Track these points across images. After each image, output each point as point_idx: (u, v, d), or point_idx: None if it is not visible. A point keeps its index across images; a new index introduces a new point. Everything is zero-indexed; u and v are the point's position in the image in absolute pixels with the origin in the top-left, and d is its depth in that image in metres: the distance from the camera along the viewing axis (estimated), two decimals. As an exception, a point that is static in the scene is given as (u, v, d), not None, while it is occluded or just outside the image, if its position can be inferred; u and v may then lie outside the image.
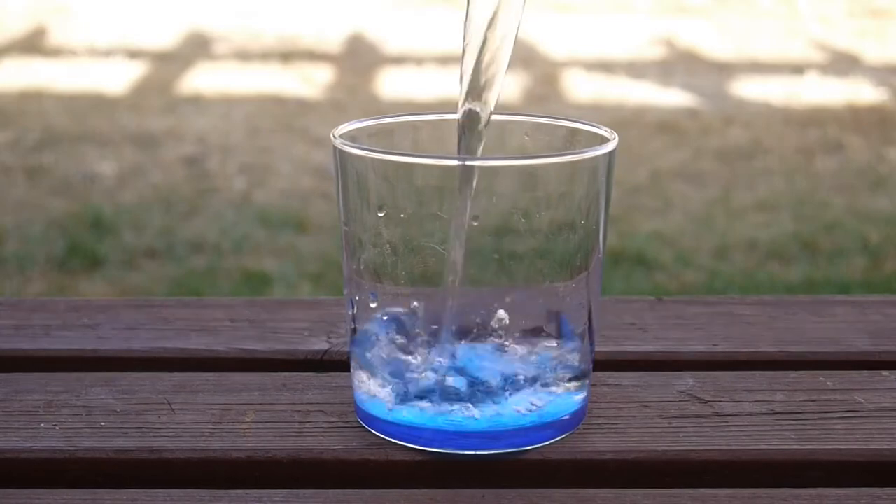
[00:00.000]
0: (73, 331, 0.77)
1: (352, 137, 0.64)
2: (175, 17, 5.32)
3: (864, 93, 4.22)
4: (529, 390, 0.61)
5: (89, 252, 2.59)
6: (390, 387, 0.62)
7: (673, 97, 4.13)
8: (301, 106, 3.95)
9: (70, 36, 4.96)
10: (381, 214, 0.61)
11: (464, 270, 0.60)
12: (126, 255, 2.60)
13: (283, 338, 0.76)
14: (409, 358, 0.61)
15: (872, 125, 3.79)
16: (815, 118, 3.86)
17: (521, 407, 0.61)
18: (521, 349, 0.61)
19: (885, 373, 0.72)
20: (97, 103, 3.92)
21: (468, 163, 0.62)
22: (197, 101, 3.99)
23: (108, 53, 4.64)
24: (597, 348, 0.66)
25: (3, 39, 4.91)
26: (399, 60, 4.63)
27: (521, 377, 0.61)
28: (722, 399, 0.68)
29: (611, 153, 0.63)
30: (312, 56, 4.69)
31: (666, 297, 0.83)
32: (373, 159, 0.61)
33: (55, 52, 4.70)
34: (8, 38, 4.95)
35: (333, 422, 0.65)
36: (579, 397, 0.64)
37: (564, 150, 0.66)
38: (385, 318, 0.62)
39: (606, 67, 4.55)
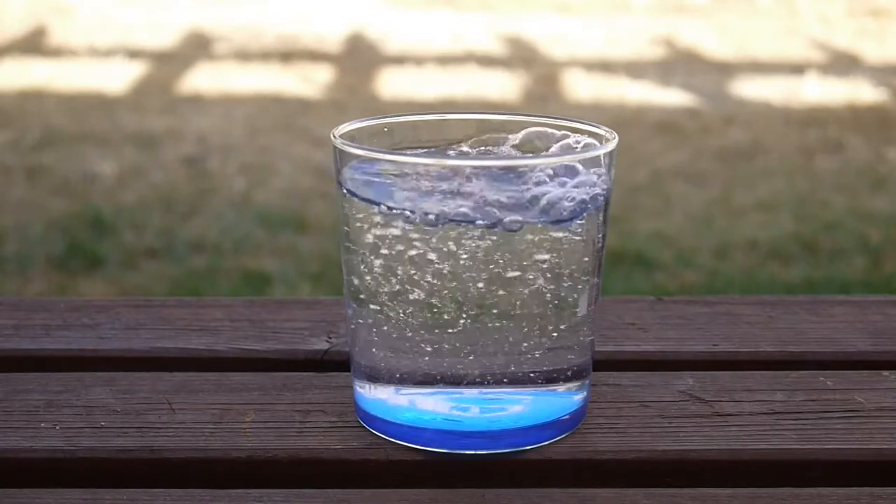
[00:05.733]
0: (73, 331, 0.77)
1: (352, 137, 0.64)
2: (175, 17, 5.32)
3: (864, 93, 4.22)
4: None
5: (89, 252, 2.59)
6: (392, 386, 0.62)
7: (673, 97, 4.13)
8: (301, 106, 3.95)
9: (70, 36, 4.96)
10: (381, 214, 0.61)
11: None
12: (126, 255, 2.60)
13: (283, 338, 0.76)
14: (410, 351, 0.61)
15: (872, 125, 3.80)
16: (815, 118, 3.86)
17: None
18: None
19: (885, 373, 0.72)
20: (97, 103, 3.92)
21: (468, 163, 0.62)
22: (197, 101, 3.99)
23: (108, 53, 4.64)
24: (597, 348, 0.66)
25: (3, 39, 4.91)
26: (399, 60, 4.63)
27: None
28: (722, 399, 0.68)
29: (611, 153, 0.63)
30: (312, 56, 4.69)
31: (666, 297, 0.83)
32: (373, 159, 0.61)
33: (55, 52, 4.71)
34: (8, 38, 4.95)
35: (333, 422, 0.65)
36: (579, 397, 0.64)
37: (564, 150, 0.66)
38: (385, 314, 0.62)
39: (606, 67, 4.55)
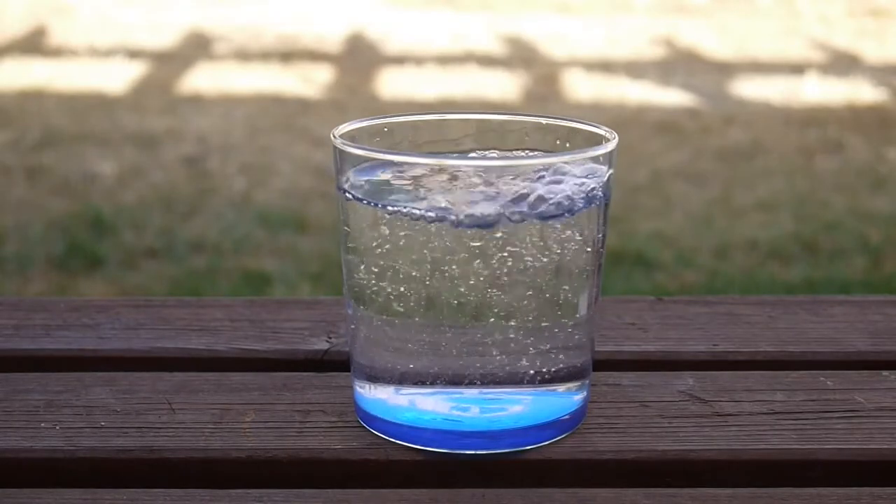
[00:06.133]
0: (73, 331, 0.77)
1: (352, 137, 0.64)
2: (175, 17, 5.32)
3: (864, 93, 4.22)
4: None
5: (89, 252, 2.59)
6: (392, 386, 0.62)
7: (673, 97, 4.13)
8: (301, 106, 3.95)
9: (70, 36, 4.96)
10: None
11: None
12: (126, 255, 2.60)
13: (283, 338, 0.76)
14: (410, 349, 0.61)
15: (872, 125, 3.80)
16: (815, 118, 3.86)
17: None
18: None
19: (885, 373, 0.72)
20: (97, 103, 3.92)
21: (469, 163, 0.62)
22: (197, 101, 3.99)
23: (108, 53, 4.64)
24: (597, 348, 0.66)
25: (3, 39, 4.91)
26: (399, 60, 4.63)
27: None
28: (722, 399, 0.68)
29: (611, 153, 0.63)
30: (312, 56, 4.69)
31: (666, 297, 0.83)
32: (373, 159, 0.61)
33: (55, 52, 4.71)
34: (8, 38, 4.95)
35: (333, 421, 0.65)
36: (579, 397, 0.64)
37: (564, 150, 0.66)
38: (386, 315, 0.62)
39: (606, 67, 4.55)
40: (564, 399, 0.63)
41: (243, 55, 4.69)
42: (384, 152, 0.62)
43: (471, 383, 0.61)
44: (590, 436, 0.64)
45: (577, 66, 4.56)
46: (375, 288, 0.61)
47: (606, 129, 0.65)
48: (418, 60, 4.61)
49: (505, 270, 0.60)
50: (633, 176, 3.17)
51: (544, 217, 0.60)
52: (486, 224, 0.59)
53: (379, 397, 0.63)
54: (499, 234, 0.59)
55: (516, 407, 0.62)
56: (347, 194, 0.62)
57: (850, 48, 4.99)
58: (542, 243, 0.60)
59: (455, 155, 0.66)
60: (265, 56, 4.67)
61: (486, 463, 0.62)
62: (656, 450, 0.63)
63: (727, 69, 4.57)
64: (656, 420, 0.65)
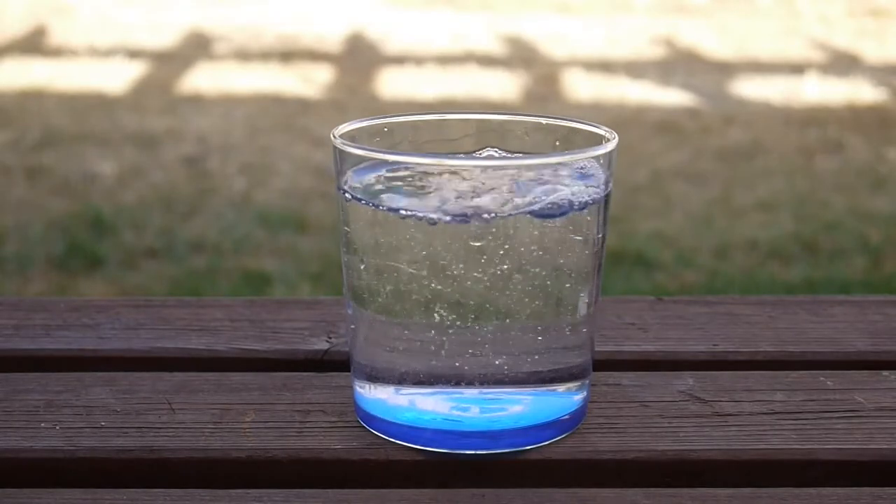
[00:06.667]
0: (73, 331, 0.77)
1: (352, 137, 0.64)
2: (175, 17, 5.32)
3: (864, 93, 4.22)
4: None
5: (89, 252, 2.59)
6: (391, 386, 0.62)
7: (673, 97, 4.13)
8: (301, 106, 3.95)
9: (70, 36, 4.96)
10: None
11: None
12: (126, 255, 2.60)
13: (283, 338, 0.76)
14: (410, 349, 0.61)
15: (872, 125, 3.80)
16: (815, 118, 3.86)
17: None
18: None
19: (885, 373, 0.72)
20: (97, 103, 3.92)
21: (468, 163, 0.62)
22: (197, 101, 3.99)
23: (108, 53, 4.64)
24: (597, 348, 0.66)
25: (3, 39, 4.91)
26: (399, 60, 4.63)
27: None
28: (722, 399, 0.68)
29: (611, 153, 0.63)
30: (312, 56, 4.69)
31: (666, 297, 0.83)
32: (373, 159, 0.62)
33: (55, 52, 4.71)
34: (8, 38, 4.95)
35: (333, 421, 0.65)
36: (579, 397, 0.64)
37: (564, 150, 0.66)
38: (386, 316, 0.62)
39: (606, 67, 4.55)
40: (564, 399, 0.63)
41: (243, 55, 4.69)
42: (384, 152, 0.62)
43: (471, 383, 0.61)
44: (590, 436, 0.64)
45: (577, 66, 4.56)
46: (375, 288, 0.61)
47: (606, 129, 0.65)
48: (418, 60, 4.61)
49: (505, 270, 0.60)
50: (633, 176, 3.17)
51: (544, 217, 0.60)
52: (484, 224, 0.59)
53: (379, 397, 0.63)
54: (499, 234, 0.59)
55: (516, 407, 0.62)
56: (347, 194, 0.62)
57: (850, 48, 4.99)
58: (542, 243, 0.60)
59: (455, 155, 0.66)
60: (265, 56, 4.67)
61: (486, 463, 0.62)
62: (656, 450, 0.63)
63: (727, 69, 4.57)
64: (656, 420, 0.66)
